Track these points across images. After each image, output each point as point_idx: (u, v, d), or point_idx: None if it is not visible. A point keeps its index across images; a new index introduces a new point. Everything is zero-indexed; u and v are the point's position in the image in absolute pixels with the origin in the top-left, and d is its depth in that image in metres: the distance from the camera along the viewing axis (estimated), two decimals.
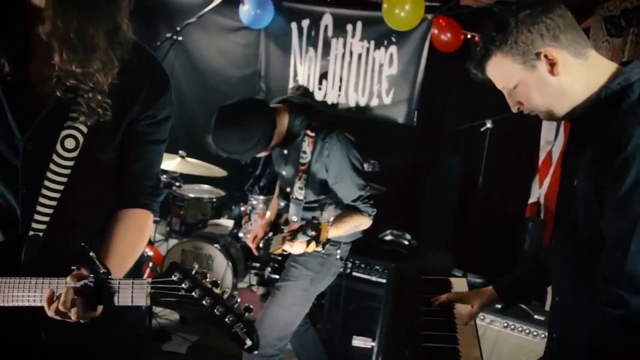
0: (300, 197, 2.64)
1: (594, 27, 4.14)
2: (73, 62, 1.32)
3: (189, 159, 4.22)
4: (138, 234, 1.53)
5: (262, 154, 2.62)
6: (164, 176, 4.13)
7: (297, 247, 2.38)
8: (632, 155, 1.22)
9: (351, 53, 5.35)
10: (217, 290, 1.20)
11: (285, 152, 2.69)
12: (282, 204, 2.87)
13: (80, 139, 1.41)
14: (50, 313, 1.28)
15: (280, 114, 2.59)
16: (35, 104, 1.39)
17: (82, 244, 1.24)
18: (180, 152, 4.21)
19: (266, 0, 5.28)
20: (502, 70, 1.47)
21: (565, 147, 1.72)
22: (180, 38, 4.49)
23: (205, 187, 4.94)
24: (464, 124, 4.66)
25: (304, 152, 2.58)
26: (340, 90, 5.45)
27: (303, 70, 5.56)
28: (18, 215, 1.42)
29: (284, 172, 2.77)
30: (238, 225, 4.35)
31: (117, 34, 1.38)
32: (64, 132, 1.40)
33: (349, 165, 2.57)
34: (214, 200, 4.69)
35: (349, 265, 3.43)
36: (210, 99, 5.64)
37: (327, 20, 5.40)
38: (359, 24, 5.28)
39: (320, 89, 5.51)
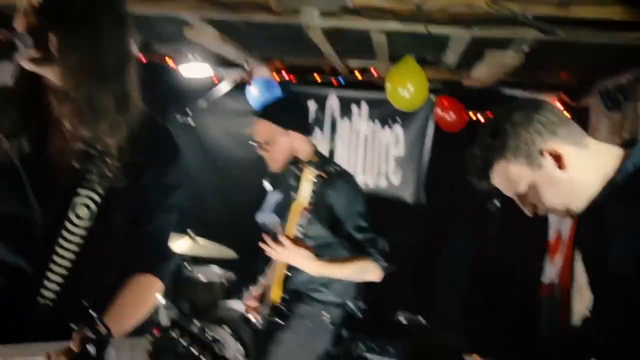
0: (300, 235, 2.56)
1: (594, 105, 4.25)
2: (82, 126, 1.39)
3: (199, 240, 4.23)
4: (142, 298, 1.53)
5: (284, 142, 2.72)
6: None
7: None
8: None
9: (357, 133, 5.46)
10: (216, 347, 1.19)
11: (275, 191, 2.73)
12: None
13: (93, 207, 1.45)
14: None
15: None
16: (52, 177, 1.45)
17: (83, 301, 1.24)
18: (189, 231, 4.22)
19: (273, 84, 5.46)
20: (508, 177, 1.45)
21: (575, 226, 1.69)
22: (190, 121, 4.61)
23: (215, 268, 4.91)
24: (473, 204, 4.69)
25: (314, 192, 2.51)
26: None
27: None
28: (31, 286, 1.46)
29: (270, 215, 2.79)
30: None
31: (125, 101, 1.45)
32: (78, 201, 1.44)
33: (356, 200, 2.61)
34: (224, 282, 4.65)
35: (362, 347, 3.36)
36: (221, 181, 5.73)
37: (332, 101, 5.55)
38: (364, 105, 5.42)
39: None
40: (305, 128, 2.85)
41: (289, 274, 2.67)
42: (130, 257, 1.56)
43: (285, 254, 2.48)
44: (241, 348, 3.83)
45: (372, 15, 3.25)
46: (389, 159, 5.37)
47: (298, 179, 2.48)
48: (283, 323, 2.68)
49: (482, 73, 4.30)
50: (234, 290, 4.73)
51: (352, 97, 5.46)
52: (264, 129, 2.75)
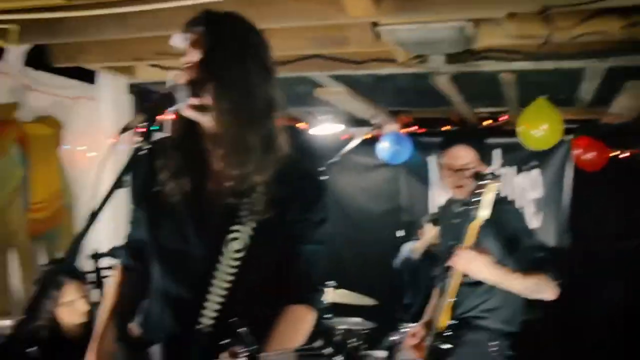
0: None
1: None
2: (231, 165, 1.53)
3: (338, 291, 4.31)
4: (297, 328, 1.59)
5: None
6: None
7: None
8: None
9: None
10: (360, 354, 1.21)
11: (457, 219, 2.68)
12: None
13: (246, 240, 1.57)
14: None
15: None
16: (209, 215, 1.59)
17: (234, 319, 1.32)
18: (331, 282, 4.32)
19: (403, 137, 5.56)
20: None
21: None
22: (324, 177, 4.80)
23: (356, 319, 4.94)
24: (623, 245, 4.36)
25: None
26: None
27: (442, 201, 5.61)
28: (192, 313, 1.57)
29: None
30: (391, 356, 4.25)
31: (272, 141, 1.58)
32: (231, 235, 1.57)
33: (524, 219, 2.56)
34: (366, 331, 4.66)
35: None
36: (355, 235, 5.85)
37: None
38: (499, 151, 5.33)
39: None
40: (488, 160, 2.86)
41: (455, 299, 2.63)
42: (284, 290, 1.63)
43: (467, 259, 2.44)
44: None
45: (499, 57, 3.25)
46: (528, 203, 5.19)
47: (479, 194, 2.45)
48: (448, 349, 2.62)
49: (623, 106, 4.09)
50: (376, 338, 4.73)
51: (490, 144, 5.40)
52: (462, 155, 2.74)
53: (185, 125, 1.61)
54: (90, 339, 2.78)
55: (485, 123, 5.24)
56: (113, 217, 4.41)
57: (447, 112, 5.07)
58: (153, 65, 4.14)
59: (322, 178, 1.72)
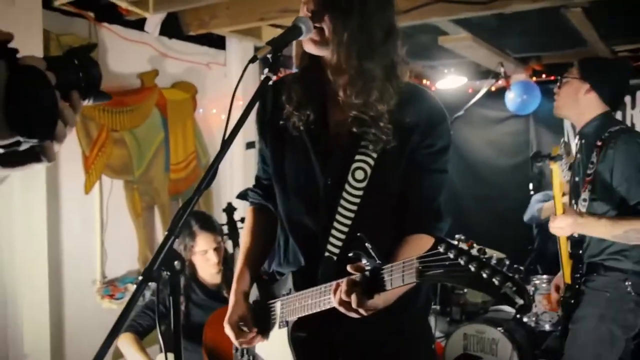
0: (584, 209, 2.53)
1: None
2: (354, 94, 1.54)
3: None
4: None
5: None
6: None
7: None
8: None
9: (633, 125, 4.96)
10: (482, 256, 1.16)
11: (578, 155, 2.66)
12: None
13: (368, 170, 1.59)
14: (335, 303, 1.42)
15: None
16: (332, 144, 1.63)
17: (359, 234, 1.36)
18: (456, 237, 4.26)
19: (532, 85, 5.29)
20: None
21: None
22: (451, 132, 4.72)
23: None
24: None
25: (591, 163, 2.48)
26: None
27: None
28: (318, 241, 1.63)
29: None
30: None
31: (393, 69, 1.58)
32: (354, 165, 1.60)
33: (635, 165, 2.42)
34: None
35: None
36: (483, 191, 5.69)
37: None
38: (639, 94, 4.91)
39: None
40: (603, 90, 2.65)
41: (580, 252, 2.65)
42: (406, 218, 1.63)
43: (552, 227, 2.54)
44: (515, 347, 3.73)
45: None
46: None
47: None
48: (578, 301, 2.62)
49: None
50: None
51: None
52: (570, 70, 2.74)
53: (308, 57, 1.64)
54: (225, 284, 3.01)
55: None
56: (244, 175, 4.74)
57: (581, 54, 4.71)
58: (277, 26, 4.26)
59: (442, 106, 1.70)
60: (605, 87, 2.64)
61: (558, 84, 2.77)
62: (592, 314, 2.55)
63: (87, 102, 0.90)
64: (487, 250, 1.19)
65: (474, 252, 1.18)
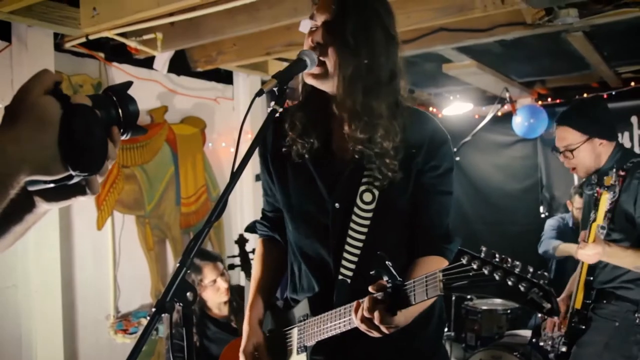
0: (602, 237, 2.51)
1: None
2: (358, 129, 1.56)
3: None
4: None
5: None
6: None
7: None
8: None
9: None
10: (506, 265, 1.16)
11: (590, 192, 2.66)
12: None
13: (376, 192, 1.61)
14: (357, 322, 1.42)
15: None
16: (337, 170, 1.65)
17: (379, 252, 1.36)
18: (482, 248, 4.23)
19: (538, 108, 5.31)
20: None
21: None
22: (457, 158, 4.73)
23: (498, 300, 4.82)
24: None
25: (613, 192, 2.48)
26: None
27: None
28: (330, 266, 1.64)
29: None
30: (537, 335, 4.09)
31: (398, 106, 1.60)
32: (362, 188, 1.62)
33: None
34: (509, 311, 4.53)
35: None
36: (493, 215, 5.67)
37: None
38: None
39: None
40: (608, 133, 2.71)
41: (591, 278, 2.64)
42: (417, 243, 1.65)
43: (581, 255, 2.49)
44: None
45: None
46: None
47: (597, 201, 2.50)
48: (586, 326, 2.63)
49: None
50: (520, 318, 4.58)
51: (628, 107, 5.00)
52: (565, 136, 2.73)
53: (312, 90, 1.67)
54: (234, 314, 3.02)
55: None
56: (254, 207, 4.77)
57: (585, 77, 4.75)
58: (283, 60, 4.34)
59: (443, 128, 1.72)
60: (606, 127, 2.73)
61: (561, 154, 2.78)
62: (599, 341, 2.55)
63: (125, 137, 0.93)
64: (509, 259, 1.20)
65: (497, 261, 1.18)
